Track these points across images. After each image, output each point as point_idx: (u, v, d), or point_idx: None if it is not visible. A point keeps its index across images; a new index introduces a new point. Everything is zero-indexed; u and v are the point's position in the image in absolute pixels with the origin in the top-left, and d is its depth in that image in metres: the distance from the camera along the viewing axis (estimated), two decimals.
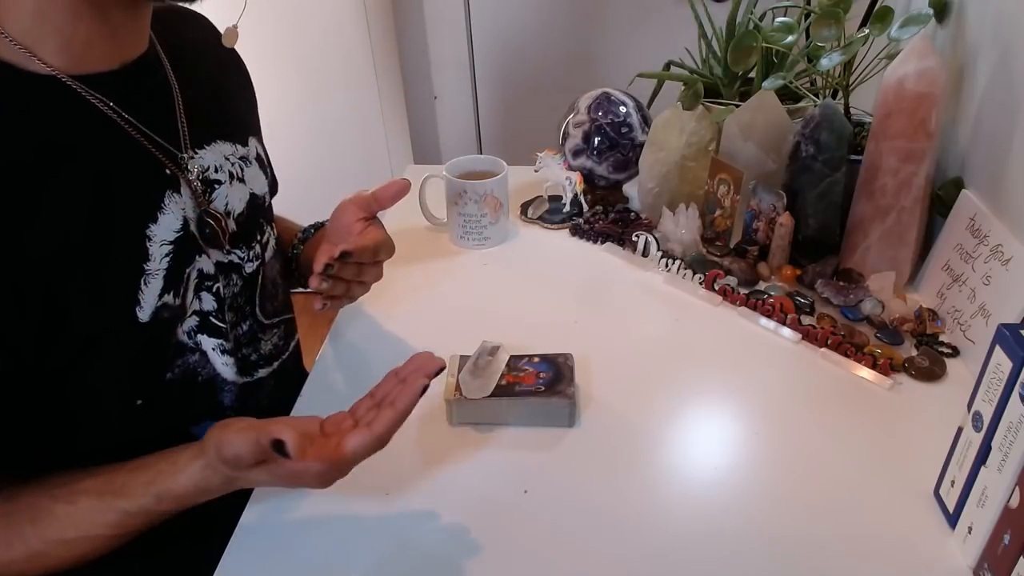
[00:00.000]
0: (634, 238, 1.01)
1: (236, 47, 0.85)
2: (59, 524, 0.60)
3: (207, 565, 0.61)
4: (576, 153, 1.12)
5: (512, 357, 0.78)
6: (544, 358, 0.78)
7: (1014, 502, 0.53)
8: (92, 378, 0.63)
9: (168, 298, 0.65)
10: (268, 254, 0.80)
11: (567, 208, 1.10)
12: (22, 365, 0.58)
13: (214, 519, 0.65)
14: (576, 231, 1.09)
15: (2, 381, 0.58)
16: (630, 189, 1.12)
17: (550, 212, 1.12)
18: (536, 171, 1.12)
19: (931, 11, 0.90)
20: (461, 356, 0.78)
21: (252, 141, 0.80)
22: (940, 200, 0.91)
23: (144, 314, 0.64)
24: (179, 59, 0.71)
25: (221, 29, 0.73)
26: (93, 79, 0.61)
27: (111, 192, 0.61)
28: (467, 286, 0.98)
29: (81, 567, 0.63)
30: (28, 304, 0.56)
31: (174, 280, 0.66)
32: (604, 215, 1.10)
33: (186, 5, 0.64)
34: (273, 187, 0.91)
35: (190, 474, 0.59)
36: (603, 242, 1.05)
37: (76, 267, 0.58)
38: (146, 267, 0.64)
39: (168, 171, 0.67)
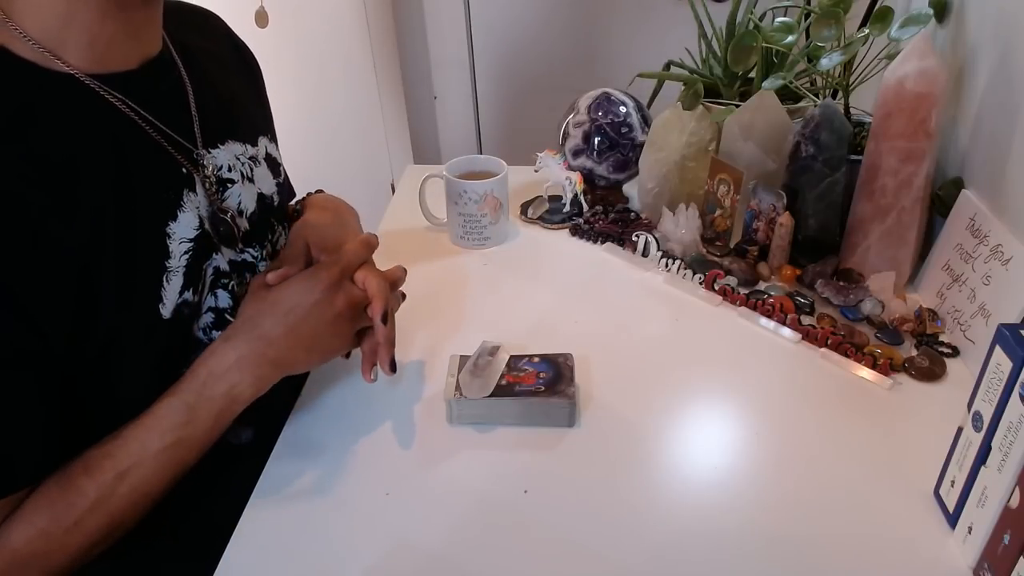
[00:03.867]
0: (634, 238, 1.01)
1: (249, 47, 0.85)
2: (110, 460, 0.60)
3: (207, 565, 0.61)
4: (576, 153, 1.12)
5: (512, 357, 0.78)
6: (544, 358, 0.78)
7: (1014, 502, 0.53)
8: (119, 375, 0.63)
9: (188, 295, 0.66)
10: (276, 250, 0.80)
11: (567, 208, 1.11)
12: (56, 359, 0.58)
13: (215, 519, 0.65)
14: (576, 231, 1.09)
15: (41, 372, 0.58)
16: (630, 189, 1.12)
17: (550, 212, 1.12)
18: (536, 171, 1.12)
19: (931, 11, 0.90)
20: (461, 356, 0.78)
21: (262, 141, 0.80)
22: (940, 200, 0.91)
23: (167, 311, 0.64)
24: (191, 60, 0.72)
25: (236, 19, 0.73)
26: (112, 78, 0.62)
27: (132, 190, 0.62)
28: (467, 286, 0.98)
29: (142, 514, 0.63)
30: (61, 297, 0.57)
31: (193, 277, 0.67)
32: (604, 215, 1.10)
33: None
34: (290, 192, 0.90)
35: (219, 343, 0.65)
36: (603, 242, 1.05)
37: (103, 264, 0.59)
38: (167, 264, 0.65)
39: (184, 169, 0.67)
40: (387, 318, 0.70)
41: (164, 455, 0.62)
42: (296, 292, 0.67)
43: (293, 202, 0.89)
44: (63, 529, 0.59)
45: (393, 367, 0.71)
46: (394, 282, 0.74)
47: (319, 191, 0.90)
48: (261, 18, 0.71)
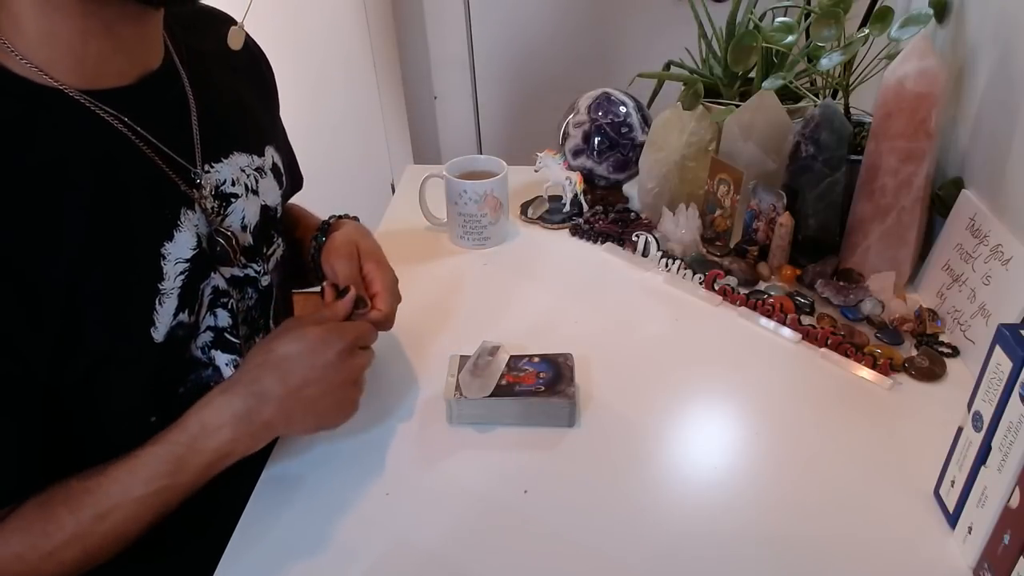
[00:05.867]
0: (634, 238, 1.01)
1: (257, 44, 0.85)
2: (92, 497, 0.59)
3: (207, 565, 0.61)
4: (576, 153, 1.12)
5: (512, 357, 0.78)
6: (544, 358, 0.78)
7: (1014, 502, 0.53)
8: (107, 396, 0.62)
9: (183, 316, 0.65)
10: (271, 265, 0.79)
11: (567, 208, 1.10)
12: (36, 380, 0.57)
13: (214, 519, 0.65)
14: (576, 231, 1.09)
15: (19, 394, 0.57)
16: (630, 189, 1.12)
17: (550, 212, 1.12)
18: (536, 171, 1.12)
19: (931, 11, 0.90)
20: (461, 356, 0.78)
21: (269, 150, 0.79)
22: (940, 200, 0.91)
23: (159, 334, 0.63)
24: (197, 69, 0.70)
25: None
26: (107, 94, 0.61)
27: (126, 210, 0.61)
28: (467, 286, 0.98)
29: (119, 551, 0.62)
30: (45, 320, 0.56)
31: (189, 298, 0.65)
32: (604, 215, 1.10)
33: (183, 7, 0.64)
34: (297, 185, 0.89)
35: (215, 395, 0.61)
36: (603, 242, 1.05)
37: (92, 287, 0.58)
38: (160, 287, 0.63)
39: (182, 189, 0.66)
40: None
41: (146, 501, 0.60)
42: (304, 352, 0.62)
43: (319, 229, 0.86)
44: (38, 556, 0.58)
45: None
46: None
47: (343, 217, 0.86)
48: (235, 37, 0.68)
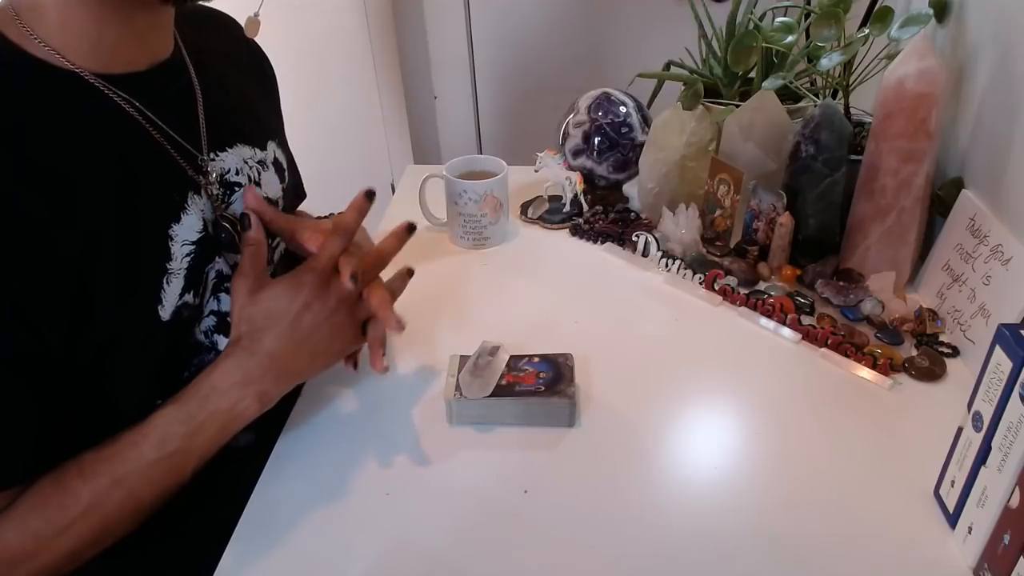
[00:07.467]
0: (634, 238, 1.01)
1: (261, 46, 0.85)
2: (106, 465, 0.60)
3: (207, 564, 0.61)
4: (576, 153, 1.12)
5: (512, 357, 0.78)
6: (544, 358, 0.78)
7: (1014, 502, 0.53)
8: (115, 377, 0.63)
9: (188, 298, 0.66)
10: (275, 257, 0.81)
11: (567, 208, 1.11)
12: (52, 360, 0.58)
13: (214, 518, 0.65)
14: (576, 231, 1.09)
15: (37, 372, 0.58)
16: (630, 189, 1.12)
17: (550, 212, 1.12)
18: (536, 171, 1.12)
19: (931, 11, 0.90)
20: (461, 356, 0.78)
21: (271, 145, 0.80)
22: (940, 200, 0.91)
23: (165, 313, 0.64)
24: (203, 63, 0.72)
25: (241, 21, 0.74)
26: (120, 79, 0.63)
27: (136, 191, 0.62)
28: (467, 286, 0.98)
29: (136, 522, 0.63)
30: (59, 300, 0.57)
31: (194, 280, 0.67)
32: (604, 215, 1.10)
33: (203, 3, 0.66)
34: (299, 193, 0.90)
35: (223, 358, 0.64)
36: (603, 242, 1.05)
37: (103, 265, 0.59)
38: (168, 267, 0.64)
39: (189, 174, 0.67)
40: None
41: (161, 465, 0.62)
42: (286, 299, 0.66)
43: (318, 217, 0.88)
44: (54, 531, 0.59)
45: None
46: (381, 259, 0.71)
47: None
48: (252, 26, 0.70)
